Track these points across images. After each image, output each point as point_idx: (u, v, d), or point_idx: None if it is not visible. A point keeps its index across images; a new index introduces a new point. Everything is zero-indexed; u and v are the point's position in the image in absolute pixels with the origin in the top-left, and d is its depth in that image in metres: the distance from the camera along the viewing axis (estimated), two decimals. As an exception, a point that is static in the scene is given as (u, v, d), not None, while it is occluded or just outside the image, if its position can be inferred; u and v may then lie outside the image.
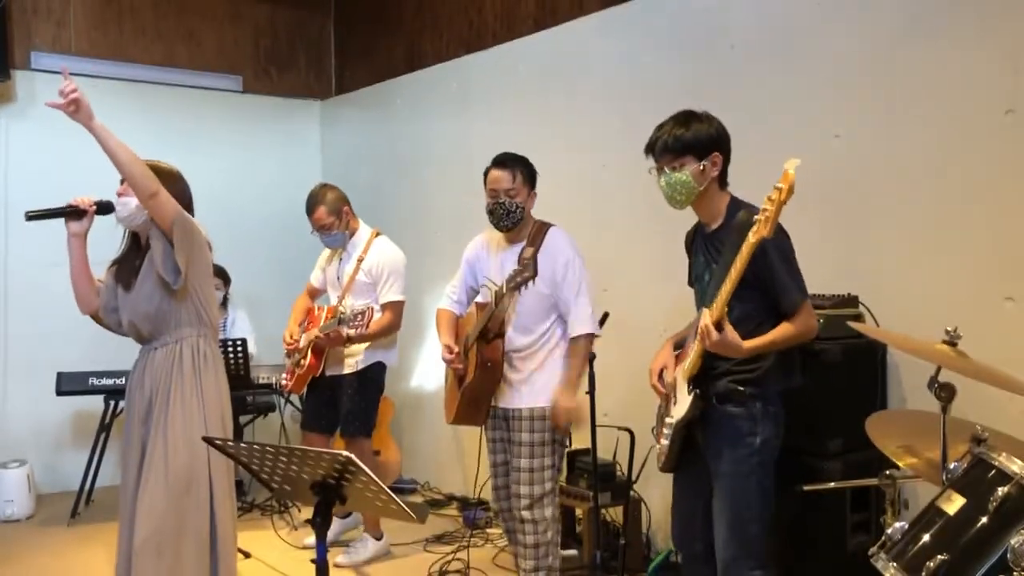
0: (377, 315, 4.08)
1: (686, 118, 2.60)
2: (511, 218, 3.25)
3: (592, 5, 4.53)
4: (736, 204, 2.61)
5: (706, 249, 2.66)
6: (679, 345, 2.80)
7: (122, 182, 2.86)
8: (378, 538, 4.26)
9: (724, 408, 2.54)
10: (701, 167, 2.54)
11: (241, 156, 6.36)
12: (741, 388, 2.52)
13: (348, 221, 4.18)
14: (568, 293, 3.20)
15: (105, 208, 2.88)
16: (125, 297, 2.87)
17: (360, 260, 4.15)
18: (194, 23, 6.21)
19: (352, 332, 3.91)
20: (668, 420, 2.66)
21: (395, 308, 4.12)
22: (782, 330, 2.47)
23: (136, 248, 2.92)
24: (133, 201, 2.81)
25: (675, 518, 2.79)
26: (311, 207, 4.14)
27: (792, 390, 2.61)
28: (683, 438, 2.62)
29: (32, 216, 2.84)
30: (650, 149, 2.64)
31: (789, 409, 2.61)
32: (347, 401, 4.14)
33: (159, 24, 6.06)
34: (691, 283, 2.84)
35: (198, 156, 6.13)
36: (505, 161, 3.28)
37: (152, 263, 2.78)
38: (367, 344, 4.11)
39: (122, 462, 2.89)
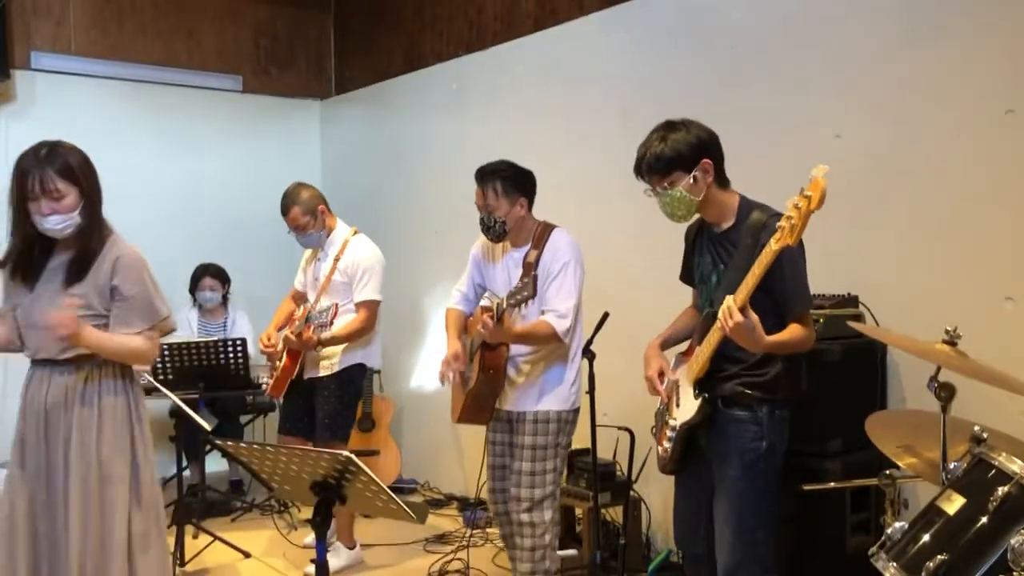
0: (350, 315, 4.01)
1: (664, 132, 2.52)
2: (492, 232, 3.26)
3: (592, 5, 4.53)
4: (747, 204, 2.55)
5: (714, 249, 2.59)
6: (665, 345, 2.78)
7: (57, 198, 2.56)
8: (351, 547, 4.16)
9: (730, 412, 2.49)
10: (692, 179, 2.48)
11: (241, 156, 6.36)
12: (749, 392, 2.47)
13: (324, 220, 4.09)
14: (551, 292, 3.18)
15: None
16: (32, 304, 2.64)
17: (337, 259, 4.05)
18: (194, 22, 6.21)
19: (324, 334, 3.89)
20: (671, 423, 2.62)
21: (370, 307, 4.01)
22: (794, 332, 2.41)
23: (43, 247, 2.66)
24: (70, 218, 2.59)
25: (677, 520, 2.76)
26: (285, 207, 4.07)
27: (799, 397, 2.57)
28: (686, 441, 2.58)
29: None
30: (637, 171, 2.57)
31: (792, 403, 2.57)
32: (323, 404, 4.03)
33: (159, 24, 6.06)
34: (684, 279, 2.80)
35: (198, 156, 6.16)
36: (481, 175, 3.26)
37: (96, 288, 2.62)
38: (344, 345, 4.03)
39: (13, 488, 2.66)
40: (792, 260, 2.36)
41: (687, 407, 2.54)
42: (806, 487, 2.69)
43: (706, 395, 2.49)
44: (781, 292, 2.41)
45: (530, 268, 3.19)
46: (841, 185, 3.48)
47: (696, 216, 2.63)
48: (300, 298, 4.31)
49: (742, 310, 2.25)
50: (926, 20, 3.21)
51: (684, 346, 2.74)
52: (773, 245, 2.20)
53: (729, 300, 2.28)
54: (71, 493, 2.59)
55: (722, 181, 2.55)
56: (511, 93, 5.01)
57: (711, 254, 2.61)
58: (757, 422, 2.48)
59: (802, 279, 2.45)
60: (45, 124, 5.64)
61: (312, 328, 3.90)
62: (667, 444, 2.63)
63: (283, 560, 4.28)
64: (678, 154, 2.47)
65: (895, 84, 3.29)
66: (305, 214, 4.04)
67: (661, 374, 2.68)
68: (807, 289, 2.47)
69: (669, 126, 2.53)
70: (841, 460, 3.00)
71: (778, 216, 2.38)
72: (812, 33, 3.57)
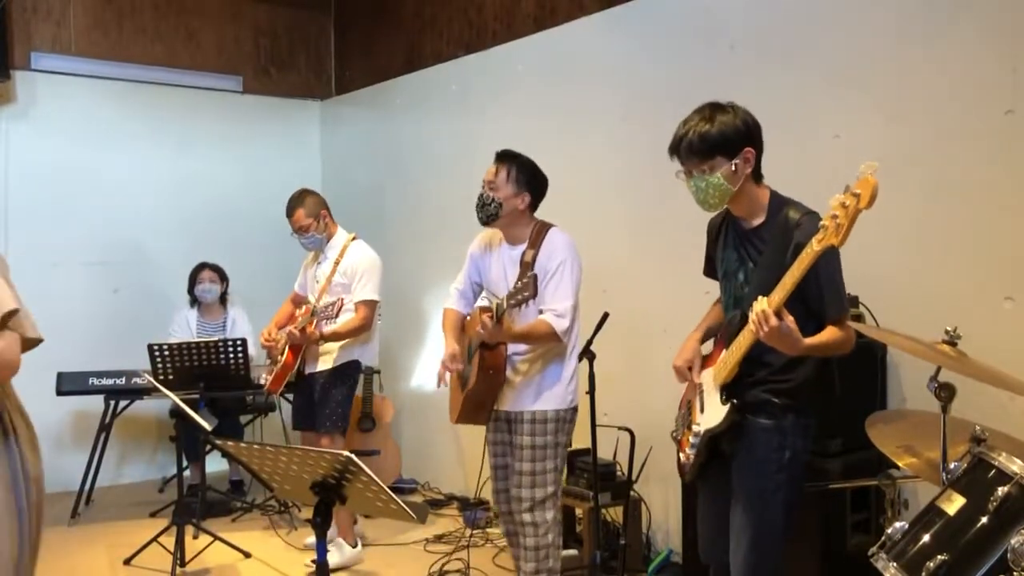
0: (350, 314, 4.17)
1: (710, 112, 2.37)
2: (484, 211, 3.25)
3: (592, 5, 4.53)
4: (779, 200, 2.41)
5: (742, 245, 2.46)
6: (704, 338, 2.65)
7: None
8: (352, 545, 4.22)
9: (755, 420, 2.38)
10: (733, 167, 2.34)
11: (241, 156, 6.36)
12: (776, 400, 2.37)
13: (326, 225, 4.31)
14: (548, 292, 3.16)
15: None
16: None
17: (337, 262, 4.24)
18: (194, 23, 6.21)
19: (325, 329, 4.11)
20: (694, 428, 2.50)
21: (368, 306, 4.19)
22: (832, 334, 2.28)
23: None
24: None
25: (702, 531, 2.65)
26: (290, 209, 4.29)
27: (829, 400, 2.47)
28: (710, 449, 2.46)
29: None
30: (674, 150, 2.41)
31: (817, 408, 2.47)
32: (322, 396, 4.20)
33: (159, 24, 6.06)
34: (708, 273, 2.69)
35: (198, 156, 6.17)
36: (500, 155, 3.30)
37: None
38: (342, 342, 4.19)
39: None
40: (827, 263, 2.21)
41: (712, 413, 2.43)
42: (811, 487, 2.64)
43: (735, 401, 2.37)
44: (816, 297, 2.29)
45: (527, 267, 3.19)
46: (841, 185, 3.48)
47: (722, 208, 2.51)
48: (300, 301, 4.46)
49: (777, 313, 2.13)
50: (926, 20, 3.20)
51: (706, 348, 2.64)
52: (815, 246, 2.05)
53: (763, 303, 2.14)
54: None
55: (757, 175, 2.43)
56: (511, 93, 5.01)
57: (738, 250, 2.48)
58: (781, 431, 2.37)
59: (838, 283, 2.33)
60: (45, 124, 5.67)
61: (316, 323, 4.11)
62: (689, 451, 2.52)
63: (283, 560, 4.27)
64: (724, 137, 2.34)
65: (895, 84, 3.29)
66: (308, 217, 4.25)
67: (690, 368, 2.56)
68: (843, 293, 2.35)
69: (715, 107, 2.39)
70: (841, 460, 3.00)
71: (813, 214, 2.31)
72: (812, 33, 3.57)
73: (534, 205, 3.31)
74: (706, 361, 2.56)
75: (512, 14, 5.07)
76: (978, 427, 2.07)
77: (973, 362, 2.13)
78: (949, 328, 2.16)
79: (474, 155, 4.95)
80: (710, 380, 2.48)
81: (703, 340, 2.66)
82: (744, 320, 2.28)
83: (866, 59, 3.38)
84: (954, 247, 3.13)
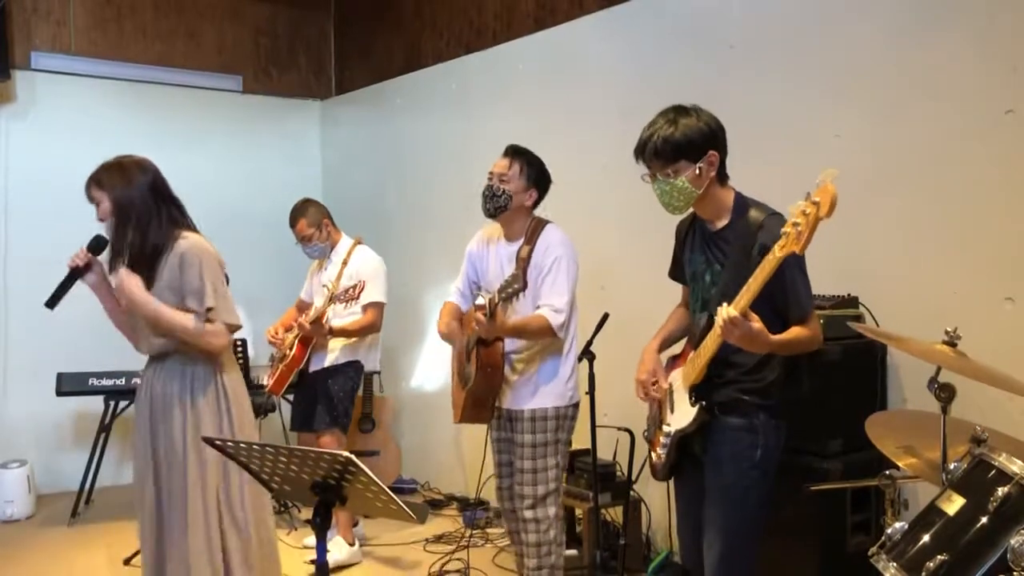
0: (356, 316, 4.25)
1: (674, 115, 2.39)
2: (494, 202, 3.25)
3: (592, 5, 4.53)
4: (743, 201, 2.44)
5: (708, 247, 2.49)
6: (664, 346, 2.70)
7: (97, 204, 2.89)
8: (350, 544, 4.25)
9: (726, 419, 2.40)
10: (697, 170, 2.36)
11: (241, 156, 6.36)
12: (746, 398, 2.39)
13: (329, 233, 4.40)
14: (545, 287, 3.18)
15: (97, 247, 2.87)
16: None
17: (344, 264, 4.31)
18: (194, 23, 6.22)
19: (335, 324, 4.18)
20: (665, 428, 2.53)
21: (376, 308, 4.28)
22: (798, 332, 2.31)
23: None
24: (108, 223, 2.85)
25: (682, 537, 2.65)
26: (293, 219, 4.39)
27: (797, 400, 2.49)
28: (680, 448, 2.49)
29: (50, 302, 2.84)
30: (639, 153, 2.43)
31: (789, 409, 2.50)
32: (323, 392, 4.26)
33: (159, 24, 6.07)
34: (674, 276, 2.72)
35: (198, 156, 6.16)
36: (511, 150, 3.32)
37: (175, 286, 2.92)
38: (347, 341, 4.27)
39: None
40: (789, 268, 2.22)
41: (682, 414, 2.45)
42: (812, 487, 2.65)
43: (703, 403, 2.40)
44: (781, 298, 2.31)
45: (523, 263, 3.20)
46: (841, 185, 3.47)
47: (689, 211, 2.52)
48: (305, 308, 4.53)
49: (744, 316, 2.15)
50: (926, 20, 3.20)
51: (677, 348, 2.68)
52: (777, 252, 2.08)
53: (729, 310, 2.16)
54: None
55: (722, 177, 2.45)
56: (511, 93, 5.01)
57: (704, 253, 2.50)
58: (753, 429, 2.39)
59: (799, 287, 2.34)
60: (45, 124, 5.67)
61: (332, 302, 4.18)
62: (660, 451, 2.54)
63: (283, 560, 4.26)
64: (688, 140, 2.35)
65: (895, 84, 3.29)
66: (311, 226, 4.35)
67: (655, 381, 2.58)
68: (807, 295, 2.37)
69: (679, 110, 2.41)
70: (841, 460, 3.00)
71: (776, 216, 2.34)
72: (812, 33, 3.56)
73: (537, 203, 3.32)
74: (677, 360, 2.59)
75: (512, 14, 5.07)
76: (978, 427, 2.07)
77: (973, 362, 2.13)
78: (949, 328, 2.16)
79: (474, 155, 4.95)
80: (679, 380, 2.51)
81: (664, 347, 2.70)
82: (711, 323, 2.30)
83: (866, 58, 3.38)
84: (954, 247, 3.13)
